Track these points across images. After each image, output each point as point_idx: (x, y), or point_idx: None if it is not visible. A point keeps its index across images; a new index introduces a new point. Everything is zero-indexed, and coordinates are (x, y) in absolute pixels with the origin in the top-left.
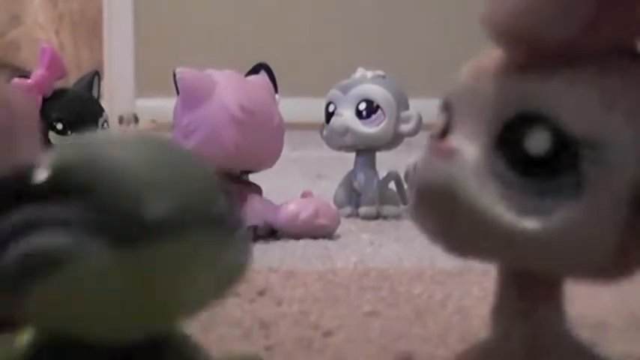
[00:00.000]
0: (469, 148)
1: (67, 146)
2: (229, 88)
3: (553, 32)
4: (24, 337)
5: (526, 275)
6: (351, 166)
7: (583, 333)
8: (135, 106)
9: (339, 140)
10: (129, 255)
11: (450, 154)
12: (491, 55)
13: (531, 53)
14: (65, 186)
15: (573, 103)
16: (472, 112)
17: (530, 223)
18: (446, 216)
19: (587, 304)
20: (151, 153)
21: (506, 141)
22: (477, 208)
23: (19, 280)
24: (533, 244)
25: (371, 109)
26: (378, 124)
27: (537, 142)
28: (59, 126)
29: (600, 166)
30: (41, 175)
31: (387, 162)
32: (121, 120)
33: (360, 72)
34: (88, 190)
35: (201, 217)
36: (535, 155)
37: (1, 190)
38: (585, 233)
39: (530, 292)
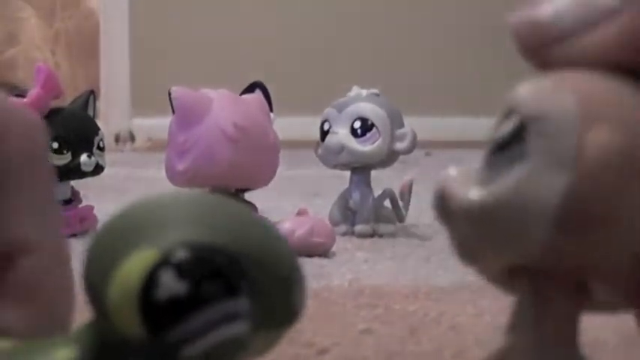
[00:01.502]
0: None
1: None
2: (224, 106)
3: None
4: (63, 353)
5: (545, 291)
6: (347, 184)
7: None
8: (131, 124)
9: (334, 158)
10: (266, 336)
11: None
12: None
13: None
14: (238, 279)
15: (530, 90)
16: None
17: (474, 193)
18: (445, 219)
19: (582, 319)
20: (270, 230)
21: (491, 138)
22: (456, 198)
23: None
24: (478, 213)
25: (366, 127)
26: (373, 142)
27: (504, 129)
28: (55, 145)
29: (542, 137)
30: (211, 259)
31: (382, 180)
32: (117, 138)
33: (354, 90)
34: (252, 279)
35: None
36: (500, 140)
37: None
38: (523, 200)
39: (547, 308)
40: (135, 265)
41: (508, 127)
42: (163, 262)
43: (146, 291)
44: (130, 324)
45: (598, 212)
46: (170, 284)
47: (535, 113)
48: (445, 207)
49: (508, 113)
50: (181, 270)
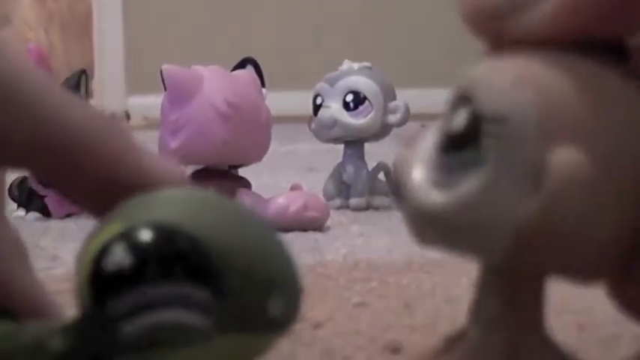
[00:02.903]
0: (430, 135)
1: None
2: (215, 83)
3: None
4: (56, 343)
5: (508, 277)
6: (341, 158)
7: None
8: (126, 103)
9: (327, 132)
10: (238, 340)
11: (408, 142)
12: None
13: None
14: (199, 267)
15: (487, 81)
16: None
17: (433, 197)
18: (400, 201)
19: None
20: (262, 234)
21: (443, 123)
22: (408, 188)
23: (138, 348)
24: (436, 218)
25: (358, 100)
26: (366, 116)
27: (457, 120)
28: None
29: (500, 142)
30: (177, 244)
31: (375, 153)
32: (112, 118)
33: (346, 64)
34: (219, 273)
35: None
36: (454, 133)
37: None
38: (484, 208)
39: (511, 295)
40: (100, 238)
41: (461, 119)
42: (121, 235)
43: (97, 261)
44: (83, 295)
45: (563, 232)
46: (119, 255)
47: (492, 114)
48: (398, 190)
49: (460, 100)
50: (136, 245)
